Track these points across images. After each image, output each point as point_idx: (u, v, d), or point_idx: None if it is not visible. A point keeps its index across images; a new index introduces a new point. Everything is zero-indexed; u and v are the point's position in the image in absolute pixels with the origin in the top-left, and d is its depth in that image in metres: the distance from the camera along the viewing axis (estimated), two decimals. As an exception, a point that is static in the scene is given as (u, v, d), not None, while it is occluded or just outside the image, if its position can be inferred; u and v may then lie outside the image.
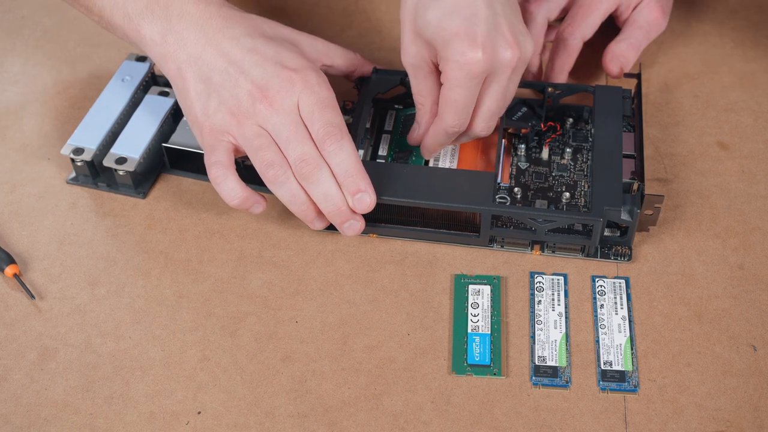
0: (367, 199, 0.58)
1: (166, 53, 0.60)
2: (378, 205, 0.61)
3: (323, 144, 0.58)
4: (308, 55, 0.64)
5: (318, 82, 0.59)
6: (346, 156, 0.58)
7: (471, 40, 0.55)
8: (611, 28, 0.72)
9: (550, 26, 0.72)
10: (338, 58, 0.67)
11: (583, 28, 0.70)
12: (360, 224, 0.60)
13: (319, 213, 0.60)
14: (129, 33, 0.62)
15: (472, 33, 0.56)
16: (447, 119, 0.59)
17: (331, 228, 0.62)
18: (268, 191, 0.59)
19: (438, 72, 0.59)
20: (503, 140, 0.65)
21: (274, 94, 0.58)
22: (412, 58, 0.60)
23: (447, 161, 0.66)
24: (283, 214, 0.64)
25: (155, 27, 0.60)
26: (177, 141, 0.66)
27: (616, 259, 0.61)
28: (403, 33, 0.60)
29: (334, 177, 0.58)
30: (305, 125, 0.58)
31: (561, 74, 0.70)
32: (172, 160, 0.67)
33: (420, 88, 0.61)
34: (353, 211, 0.59)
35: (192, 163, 0.67)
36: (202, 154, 0.64)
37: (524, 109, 0.68)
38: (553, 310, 0.59)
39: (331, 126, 0.58)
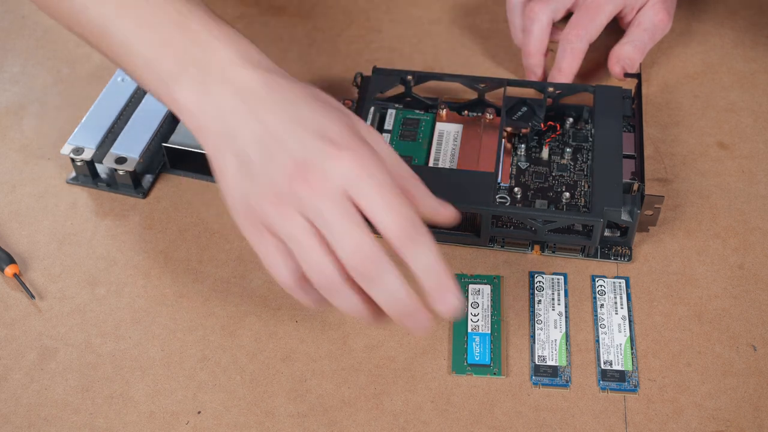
0: (453, 300, 0.48)
1: (203, 125, 0.51)
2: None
3: (396, 239, 0.47)
4: (359, 131, 0.51)
5: (374, 161, 0.48)
6: (427, 252, 0.48)
7: None
8: (611, 28, 0.72)
9: (555, 27, 0.72)
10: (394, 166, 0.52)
11: (590, 30, 0.70)
12: (431, 322, 0.49)
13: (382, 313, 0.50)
14: (163, 98, 0.53)
15: None
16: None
17: None
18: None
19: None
20: (503, 140, 0.65)
21: (319, 177, 0.47)
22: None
23: (447, 161, 0.66)
24: (283, 213, 0.64)
25: (192, 94, 0.51)
26: (177, 141, 0.66)
27: (616, 260, 0.61)
28: None
29: (400, 273, 0.48)
30: (357, 211, 0.48)
31: (568, 77, 0.70)
32: (172, 159, 0.67)
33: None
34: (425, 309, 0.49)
35: (192, 163, 0.67)
36: (202, 153, 0.65)
37: (524, 109, 0.68)
38: (553, 310, 0.59)
39: (402, 217, 0.47)
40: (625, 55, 0.70)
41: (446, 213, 0.52)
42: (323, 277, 0.48)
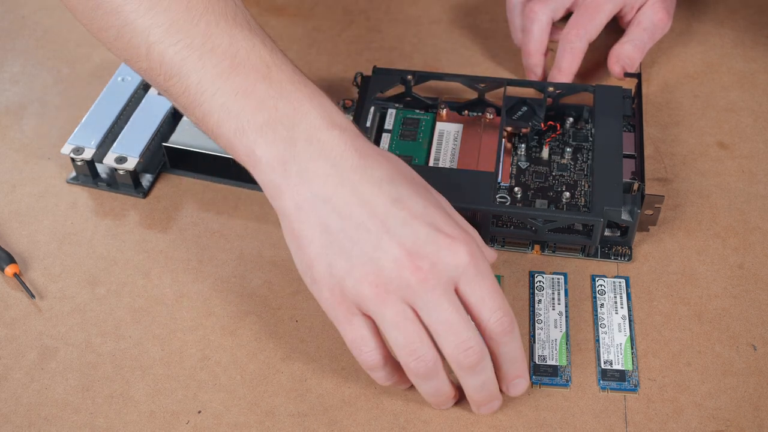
0: (524, 385, 0.52)
1: (284, 186, 0.48)
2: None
3: (497, 334, 0.49)
4: (453, 216, 0.51)
5: (481, 256, 0.49)
6: (516, 344, 0.50)
7: None
8: (611, 27, 0.72)
9: (554, 26, 0.72)
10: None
11: (589, 30, 0.70)
12: (500, 402, 0.53)
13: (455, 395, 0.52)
14: (239, 149, 0.49)
15: None
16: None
17: None
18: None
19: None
20: (503, 140, 0.65)
21: (431, 267, 0.47)
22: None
23: (447, 161, 0.66)
24: (283, 213, 0.64)
25: (275, 150, 0.48)
26: (177, 140, 0.66)
27: (616, 259, 0.61)
28: None
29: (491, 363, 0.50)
30: (463, 305, 0.48)
31: (567, 77, 0.70)
32: (172, 159, 0.67)
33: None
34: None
35: (192, 163, 0.67)
36: (203, 153, 0.65)
37: (524, 108, 0.68)
38: (553, 310, 0.59)
39: (505, 316, 0.49)
40: (625, 55, 0.70)
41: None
42: (422, 365, 0.48)
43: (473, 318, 0.49)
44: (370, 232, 0.47)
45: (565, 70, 0.70)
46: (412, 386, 0.52)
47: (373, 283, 0.47)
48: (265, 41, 0.51)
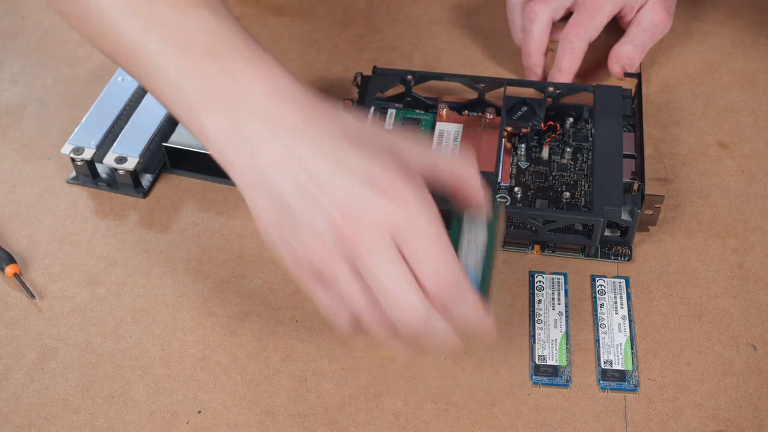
0: (489, 333, 0.50)
1: (233, 159, 0.48)
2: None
3: (434, 296, 0.47)
4: (409, 167, 0.49)
5: (422, 207, 0.46)
6: (465, 302, 0.47)
7: None
8: (611, 27, 0.72)
9: (554, 26, 0.72)
10: (445, 168, 0.51)
11: (589, 30, 0.70)
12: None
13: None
14: (191, 126, 0.50)
15: None
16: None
17: None
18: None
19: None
20: (503, 140, 0.65)
21: (365, 226, 0.46)
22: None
23: (447, 161, 0.66)
24: (283, 213, 0.64)
25: (221, 123, 0.48)
26: (177, 141, 0.66)
27: (616, 259, 0.61)
28: None
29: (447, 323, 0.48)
30: (404, 259, 0.46)
31: (567, 77, 0.70)
32: (173, 159, 0.67)
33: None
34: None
35: (192, 163, 0.67)
36: (203, 153, 0.65)
37: (524, 108, 0.68)
38: (553, 310, 0.59)
39: (443, 273, 0.46)
40: (625, 55, 0.70)
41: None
42: (377, 330, 0.48)
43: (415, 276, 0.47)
44: (308, 193, 0.46)
45: (566, 70, 0.70)
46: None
47: (319, 250, 0.46)
48: (216, 13, 0.51)
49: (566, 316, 0.58)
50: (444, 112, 0.69)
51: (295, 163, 0.47)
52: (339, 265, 0.46)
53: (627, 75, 0.69)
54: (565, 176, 0.65)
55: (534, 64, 0.71)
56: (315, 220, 0.46)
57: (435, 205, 0.47)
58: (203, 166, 0.67)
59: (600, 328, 0.58)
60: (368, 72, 0.70)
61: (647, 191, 0.63)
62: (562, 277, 0.60)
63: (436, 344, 0.48)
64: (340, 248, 0.46)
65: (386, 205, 0.45)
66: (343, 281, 0.47)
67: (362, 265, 0.46)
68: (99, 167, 0.67)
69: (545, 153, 0.66)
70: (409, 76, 0.69)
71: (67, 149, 0.66)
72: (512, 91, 0.69)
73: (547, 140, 0.66)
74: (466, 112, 0.69)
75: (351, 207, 0.46)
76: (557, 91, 0.67)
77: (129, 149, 0.65)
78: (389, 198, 0.46)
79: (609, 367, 0.56)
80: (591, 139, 0.67)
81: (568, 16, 0.72)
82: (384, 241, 0.46)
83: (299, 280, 0.48)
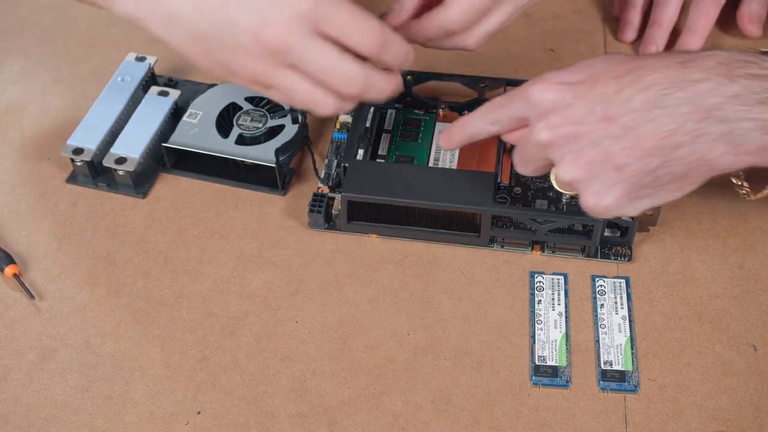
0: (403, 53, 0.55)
1: (141, 15, 0.53)
2: (378, 205, 0.61)
3: (371, 56, 0.53)
4: None
5: None
6: (395, 50, 0.55)
7: None
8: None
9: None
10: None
11: None
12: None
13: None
14: (101, 2, 0.55)
15: None
16: (453, 12, 0.56)
17: (330, 228, 0.62)
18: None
19: None
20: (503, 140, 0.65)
21: (284, 25, 0.51)
22: None
23: (447, 161, 0.66)
24: (283, 213, 0.64)
25: None
26: (177, 141, 0.66)
27: (617, 260, 0.61)
28: None
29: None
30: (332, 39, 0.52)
31: (702, 38, 0.71)
32: (172, 159, 0.67)
33: None
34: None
35: (192, 163, 0.67)
36: (203, 154, 0.65)
37: (524, 108, 0.68)
38: (553, 310, 0.59)
39: (371, 36, 0.52)
40: (755, 13, 0.71)
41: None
42: (327, 109, 0.54)
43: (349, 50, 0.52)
44: (226, 21, 0.51)
45: (701, 31, 0.71)
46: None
47: (254, 66, 0.52)
48: None
49: (566, 317, 0.58)
50: (444, 112, 0.69)
51: None
52: (276, 70, 0.52)
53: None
54: (565, 176, 0.65)
55: (634, 16, 0.73)
56: (238, 39, 0.51)
57: None
58: (203, 166, 0.67)
59: (600, 329, 0.58)
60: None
61: (647, 191, 0.63)
62: (562, 277, 0.60)
63: (379, 94, 0.55)
64: (271, 56, 0.51)
65: (290, 5, 0.50)
66: (286, 82, 0.53)
67: (295, 61, 0.51)
68: (99, 167, 0.67)
69: (545, 153, 0.66)
70: (409, 76, 0.69)
71: (67, 149, 0.66)
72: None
73: (547, 140, 0.66)
74: (466, 112, 0.69)
75: (264, 14, 0.50)
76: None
77: (129, 149, 0.65)
78: None
79: (609, 368, 0.56)
80: (591, 139, 0.67)
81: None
82: (303, 32, 0.51)
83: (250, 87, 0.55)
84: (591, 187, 0.51)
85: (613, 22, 0.72)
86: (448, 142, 0.59)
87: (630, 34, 0.74)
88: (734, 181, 0.59)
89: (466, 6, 0.56)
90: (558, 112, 0.51)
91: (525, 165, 0.55)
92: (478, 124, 0.57)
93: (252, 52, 0.51)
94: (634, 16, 0.74)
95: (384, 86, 0.55)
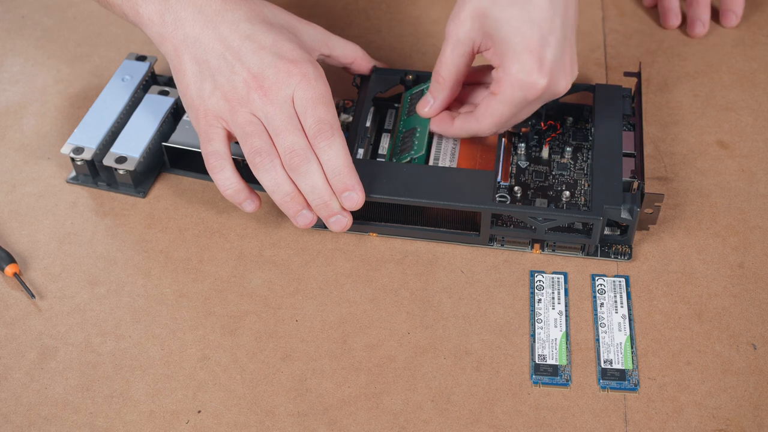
0: (355, 198, 0.58)
1: (164, 33, 0.60)
2: (378, 204, 0.61)
3: (315, 140, 0.58)
4: (307, 45, 0.64)
5: (315, 77, 0.59)
6: (335, 153, 0.58)
7: (539, 63, 0.57)
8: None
9: None
10: (337, 48, 0.67)
11: None
12: (347, 220, 0.59)
13: (303, 208, 0.59)
14: (127, 12, 0.62)
15: (542, 55, 0.57)
16: (484, 125, 0.61)
17: (320, 225, 0.62)
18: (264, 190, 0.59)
19: (473, 56, 0.62)
20: (503, 139, 0.65)
21: (270, 85, 0.58)
22: (462, 32, 0.60)
23: (447, 160, 0.66)
24: (283, 213, 0.64)
25: (153, 6, 0.60)
26: (177, 140, 0.66)
27: (616, 258, 0.61)
28: (463, 3, 0.59)
29: (323, 171, 0.58)
30: (298, 118, 0.59)
31: (738, 18, 0.76)
32: (172, 159, 0.67)
33: (450, 61, 0.62)
34: (342, 207, 0.59)
35: (192, 163, 0.67)
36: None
37: (524, 108, 0.68)
38: (553, 309, 0.59)
39: (323, 123, 0.58)
40: (737, 3, 0.76)
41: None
42: (258, 158, 0.58)
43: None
44: (227, 61, 0.59)
45: (738, 11, 0.76)
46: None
47: (228, 99, 0.59)
48: None
49: (566, 316, 0.58)
50: (444, 111, 0.69)
51: (216, 37, 0.60)
52: (242, 112, 0.59)
53: (627, 74, 0.69)
54: (565, 175, 0.65)
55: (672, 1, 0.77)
56: (231, 78, 0.59)
57: (324, 75, 0.60)
58: (203, 166, 0.66)
59: (600, 327, 0.58)
60: (366, 69, 0.70)
61: (647, 190, 0.63)
62: (562, 276, 0.60)
63: (307, 187, 0.59)
64: (246, 101, 0.59)
65: (289, 72, 0.58)
66: (242, 124, 0.59)
67: (264, 114, 0.58)
68: (99, 167, 0.67)
69: (545, 152, 0.66)
70: (409, 76, 0.69)
71: (67, 149, 0.66)
72: (512, 90, 0.68)
73: (547, 139, 0.66)
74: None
75: (262, 71, 0.59)
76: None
77: (129, 149, 0.65)
78: (292, 66, 0.59)
79: (609, 367, 0.56)
80: (591, 138, 0.67)
81: None
82: (286, 99, 0.58)
83: (198, 125, 0.60)
84: None
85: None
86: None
87: (674, 20, 0.77)
88: None
89: (496, 122, 0.61)
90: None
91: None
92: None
93: (234, 88, 0.59)
94: (672, 1, 0.76)
95: (316, 179, 0.59)
